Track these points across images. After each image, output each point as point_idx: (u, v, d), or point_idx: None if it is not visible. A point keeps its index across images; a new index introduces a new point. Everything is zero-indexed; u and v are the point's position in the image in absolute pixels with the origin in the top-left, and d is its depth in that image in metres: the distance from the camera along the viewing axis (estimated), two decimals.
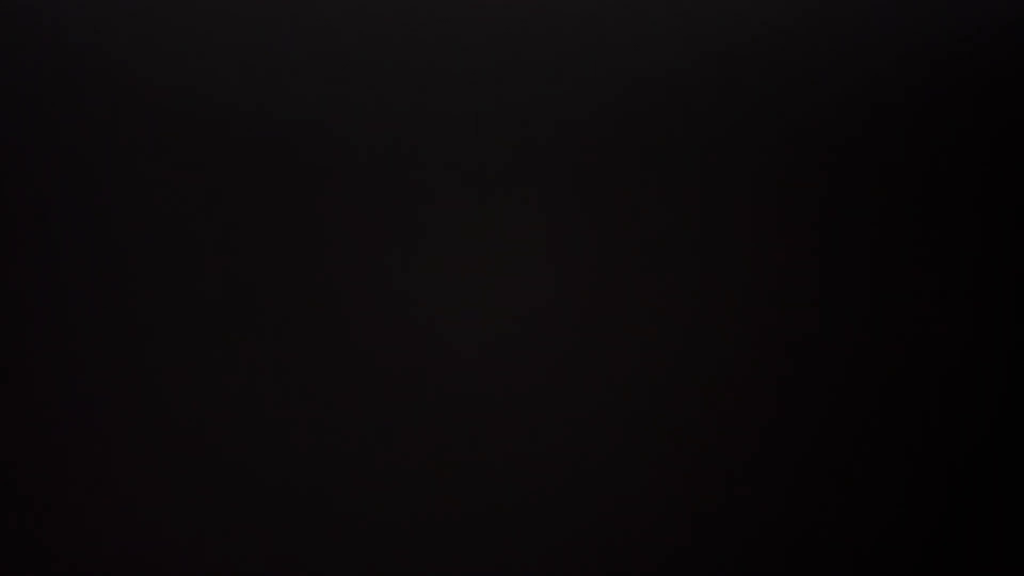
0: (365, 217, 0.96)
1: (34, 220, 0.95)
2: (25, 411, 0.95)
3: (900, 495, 0.98)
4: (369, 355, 0.96)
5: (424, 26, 0.97)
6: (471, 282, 0.96)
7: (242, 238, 0.95)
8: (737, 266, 0.97)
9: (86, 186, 0.95)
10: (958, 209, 0.98)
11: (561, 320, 0.96)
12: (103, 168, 0.95)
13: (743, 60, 0.97)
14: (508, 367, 0.96)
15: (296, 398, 0.95)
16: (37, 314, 0.95)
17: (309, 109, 0.96)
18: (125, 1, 0.94)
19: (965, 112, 0.98)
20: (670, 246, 0.97)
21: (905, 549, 0.98)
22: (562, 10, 0.97)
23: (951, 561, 0.98)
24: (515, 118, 0.96)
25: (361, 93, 0.96)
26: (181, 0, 0.95)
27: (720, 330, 0.97)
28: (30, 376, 0.95)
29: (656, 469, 0.97)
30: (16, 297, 0.95)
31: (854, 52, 0.97)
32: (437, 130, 0.96)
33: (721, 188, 0.97)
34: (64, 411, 0.95)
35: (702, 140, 0.97)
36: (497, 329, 0.96)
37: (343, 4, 0.96)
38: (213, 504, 0.95)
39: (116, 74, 0.95)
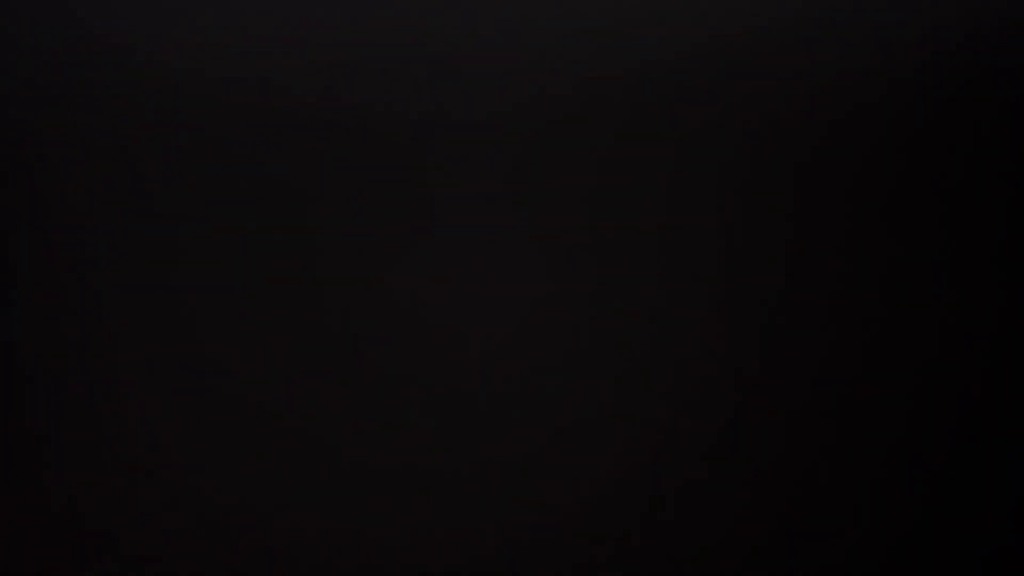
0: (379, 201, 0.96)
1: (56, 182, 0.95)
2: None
3: (875, 492, 0.98)
4: (379, 347, 0.96)
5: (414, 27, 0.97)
6: (469, 275, 0.96)
7: (245, 225, 0.96)
8: (727, 260, 0.97)
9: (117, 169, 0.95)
10: (946, 206, 0.99)
11: (556, 315, 0.97)
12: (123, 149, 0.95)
13: (731, 57, 0.97)
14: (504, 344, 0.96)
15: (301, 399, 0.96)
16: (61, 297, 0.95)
17: (312, 99, 0.96)
18: None
19: (946, 109, 0.98)
20: (666, 240, 0.97)
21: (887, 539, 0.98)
22: (541, 7, 0.97)
23: (932, 551, 0.98)
24: (509, 116, 0.96)
25: (366, 89, 0.96)
26: None
27: (718, 327, 0.97)
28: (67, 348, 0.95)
29: (654, 468, 0.97)
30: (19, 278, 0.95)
31: (838, 49, 0.98)
32: (437, 129, 0.97)
33: (710, 184, 0.97)
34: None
35: (691, 136, 0.97)
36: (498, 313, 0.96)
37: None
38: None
39: (130, 58, 0.95)
